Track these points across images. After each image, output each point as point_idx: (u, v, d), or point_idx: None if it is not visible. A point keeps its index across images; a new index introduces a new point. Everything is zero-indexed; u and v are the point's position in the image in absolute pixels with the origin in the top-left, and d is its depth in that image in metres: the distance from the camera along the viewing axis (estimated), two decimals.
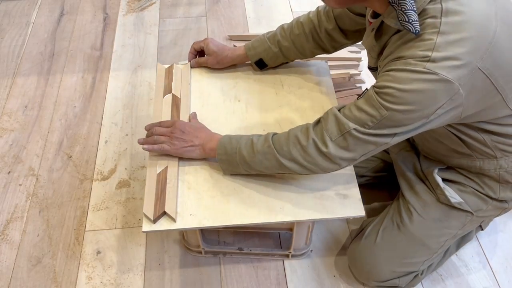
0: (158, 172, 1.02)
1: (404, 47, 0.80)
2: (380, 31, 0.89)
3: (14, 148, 1.52)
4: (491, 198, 1.04)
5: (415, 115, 0.80)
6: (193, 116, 1.12)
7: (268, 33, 1.19)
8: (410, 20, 0.75)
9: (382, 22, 0.87)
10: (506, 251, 1.28)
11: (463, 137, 0.95)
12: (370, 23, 0.92)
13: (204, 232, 1.26)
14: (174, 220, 0.95)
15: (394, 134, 0.84)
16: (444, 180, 1.07)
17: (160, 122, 1.07)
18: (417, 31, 0.76)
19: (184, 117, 1.12)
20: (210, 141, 1.02)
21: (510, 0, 0.85)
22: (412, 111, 0.79)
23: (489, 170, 1.00)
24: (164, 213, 0.96)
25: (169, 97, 1.16)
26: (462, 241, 1.23)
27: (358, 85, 1.71)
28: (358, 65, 1.74)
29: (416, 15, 0.76)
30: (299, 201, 0.99)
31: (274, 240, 1.29)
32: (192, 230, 1.14)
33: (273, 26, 1.31)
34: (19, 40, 1.91)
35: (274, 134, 0.97)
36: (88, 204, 1.37)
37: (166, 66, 1.25)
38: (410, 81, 0.77)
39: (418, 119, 0.81)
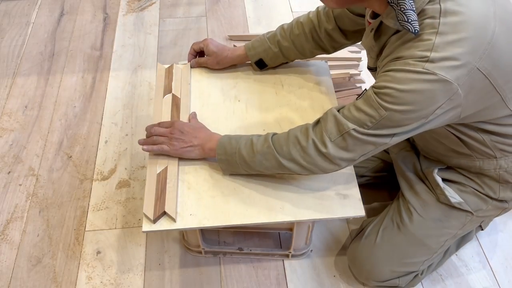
0: (158, 172, 1.02)
1: (403, 47, 0.80)
2: (379, 31, 0.89)
3: (14, 148, 1.52)
4: (491, 198, 1.04)
5: (414, 115, 0.80)
6: (193, 116, 1.12)
7: (268, 33, 1.19)
8: (410, 20, 0.75)
9: (381, 22, 0.87)
10: (506, 251, 1.28)
11: (462, 137, 0.96)
12: (369, 23, 0.92)
13: (204, 232, 1.26)
14: (174, 220, 0.96)
15: (393, 135, 0.84)
16: (444, 180, 1.07)
17: (159, 123, 1.07)
18: (416, 31, 0.76)
19: (184, 117, 1.12)
20: (209, 141, 1.02)
21: (510, 0, 0.85)
22: (411, 111, 0.79)
23: (488, 170, 1.00)
24: (164, 213, 0.96)
25: (169, 97, 1.16)
26: (462, 241, 1.23)
27: (358, 85, 1.71)
28: (358, 65, 1.74)
29: (415, 15, 0.76)
30: (299, 201, 0.99)
31: (274, 240, 1.29)
32: (192, 230, 1.14)
33: (273, 26, 1.31)
34: (19, 40, 1.91)
35: (274, 134, 0.97)
36: (88, 204, 1.37)
37: (166, 66, 1.25)
38: (409, 81, 0.77)
39: (417, 119, 0.81)
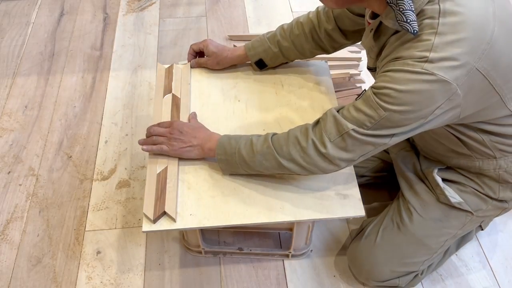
0: (158, 172, 1.02)
1: (402, 47, 0.80)
2: (378, 31, 0.89)
3: (14, 148, 1.52)
4: (491, 198, 1.04)
5: (413, 116, 0.80)
6: (193, 116, 1.12)
7: (268, 33, 1.19)
8: (408, 20, 0.75)
9: (381, 22, 0.87)
10: (506, 251, 1.28)
11: (462, 137, 0.96)
12: (369, 23, 0.92)
13: (204, 232, 1.26)
14: (174, 220, 0.96)
15: (393, 135, 0.84)
16: (444, 180, 1.07)
17: (159, 123, 1.07)
18: (415, 31, 0.76)
19: (184, 117, 1.12)
20: (208, 141, 1.02)
21: (509, 1, 0.85)
22: (410, 112, 0.79)
23: (488, 170, 1.00)
24: (164, 213, 0.96)
25: (169, 97, 1.16)
26: (462, 241, 1.23)
27: (358, 85, 1.71)
28: (358, 65, 1.74)
29: (414, 15, 0.76)
30: (299, 201, 0.99)
31: (274, 240, 1.29)
32: (192, 230, 1.14)
33: (273, 26, 1.31)
34: (19, 40, 1.91)
35: (274, 134, 0.97)
36: (88, 204, 1.37)
37: (166, 66, 1.25)
38: (408, 82, 0.77)
39: (416, 119, 0.81)
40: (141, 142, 1.05)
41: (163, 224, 0.96)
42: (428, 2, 0.77)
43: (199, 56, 1.27)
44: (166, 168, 1.03)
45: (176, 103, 1.15)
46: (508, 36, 0.80)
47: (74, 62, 1.81)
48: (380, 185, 1.37)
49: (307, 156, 0.90)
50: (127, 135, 1.55)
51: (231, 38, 1.91)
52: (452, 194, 1.05)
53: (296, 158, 0.91)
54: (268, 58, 1.20)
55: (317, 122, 0.92)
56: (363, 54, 1.77)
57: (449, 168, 1.08)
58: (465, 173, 1.05)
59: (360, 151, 0.88)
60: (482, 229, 1.22)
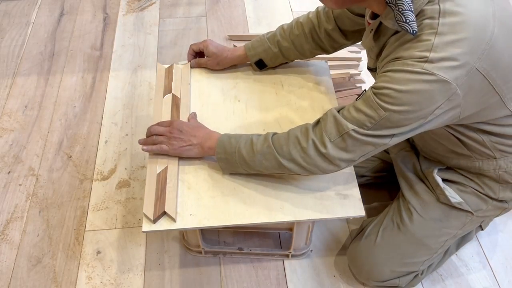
0: (158, 172, 1.02)
1: (402, 48, 0.80)
2: (378, 32, 0.89)
3: (14, 148, 1.52)
4: (491, 198, 1.04)
5: (413, 116, 0.80)
6: (193, 116, 1.12)
7: (267, 33, 1.19)
8: (408, 21, 0.75)
9: (381, 23, 0.87)
10: (506, 251, 1.28)
11: (462, 138, 0.96)
12: (369, 24, 0.92)
13: (204, 232, 1.26)
14: (174, 220, 0.96)
15: (393, 135, 0.84)
16: (444, 180, 1.07)
17: (158, 122, 1.07)
18: (414, 32, 0.76)
19: (184, 117, 1.12)
20: (208, 139, 1.02)
21: (509, 1, 0.85)
22: (410, 112, 0.79)
23: (488, 170, 1.00)
24: (164, 213, 0.96)
25: (169, 97, 1.16)
26: (462, 241, 1.23)
27: (358, 85, 1.71)
28: (358, 65, 1.74)
29: (414, 16, 0.76)
30: (299, 201, 0.99)
31: (274, 240, 1.29)
32: (192, 230, 1.14)
33: (273, 26, 1.31)
34: (19, 40, 1.91)
35: (274, 134, 0.97)
36: (88, 204, 1.37)
37: (166, 66, 1.25)
38: (408, 82, 0.77)
39: (416, 119, 0.81)
40: (141, 142, 1.05)
41: (163, 224, 0.96)
42: (428, 2, 0.77)
43: (199, 56, 1.27)
44: (166, 168, 1.03)
45: (176, 103, 1.15)
46: (508, 36, 0.80)
47: (74, 62, 1.81)
48: (380, 185, 1.37)
49: (307, 156, 0.90)
50: (127, 135, 1.55)
51: (231, 38, 1.91)
52: (452, 194, 1.05)
53: (296, 158, 0.91)
54: (268, 58, 1.20)
55: (317, 122, 0.92)
56: (363, 54, 1.77)
57: (449, 168, 1.08)
58: (465, 173, 1.05)
59: (360, 151, 0.88)
60: (482, 229, 1.22)
